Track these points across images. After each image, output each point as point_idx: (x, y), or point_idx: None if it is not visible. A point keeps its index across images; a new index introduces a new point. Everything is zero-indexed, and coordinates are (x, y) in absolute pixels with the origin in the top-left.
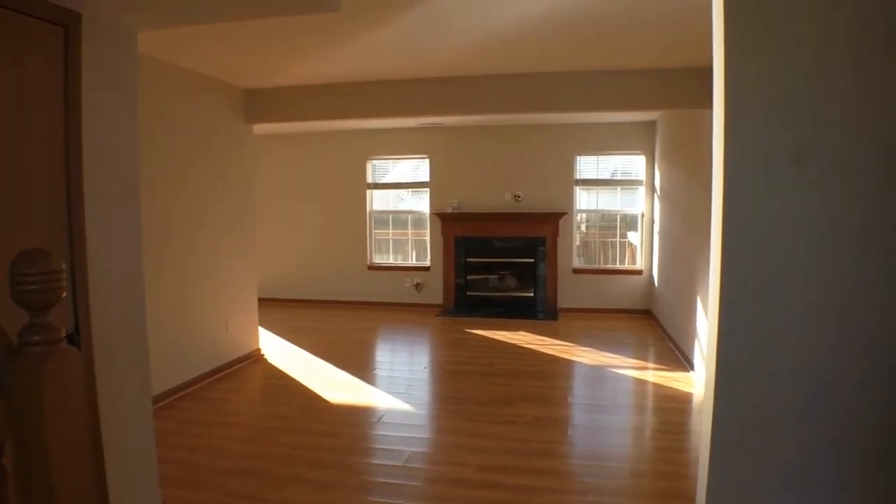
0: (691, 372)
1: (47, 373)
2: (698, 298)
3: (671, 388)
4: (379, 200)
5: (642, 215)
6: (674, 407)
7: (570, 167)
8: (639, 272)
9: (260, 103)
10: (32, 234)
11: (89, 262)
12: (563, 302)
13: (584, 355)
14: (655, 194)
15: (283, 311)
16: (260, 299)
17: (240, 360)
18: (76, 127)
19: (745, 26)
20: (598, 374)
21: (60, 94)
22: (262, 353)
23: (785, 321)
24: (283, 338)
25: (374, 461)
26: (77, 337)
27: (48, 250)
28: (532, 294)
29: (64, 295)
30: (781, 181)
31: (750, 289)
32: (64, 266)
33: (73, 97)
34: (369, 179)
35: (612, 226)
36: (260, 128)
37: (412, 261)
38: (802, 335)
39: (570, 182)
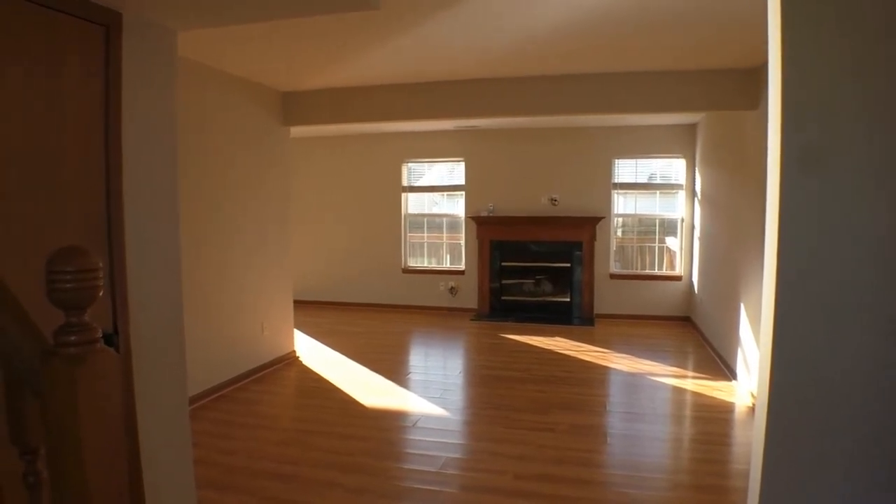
0: (734, 381)
1: (83, 375)
2: (742, 305)
3: (712, 397)
4: (414, 203)
5: (682, 220)
6: (715, 417)
7: (607, 171)
8: (678, 278)
9: (296, 106)
10: (71, 233)
11: (128, 263)
12: (599, 308)
13: (622, 362)
14: (696, 198)
15: (318, 313)
16: (295, 301)
17: (275, 363)
18: (116, 127)
19: (803, 26)
20: (637, 382)
21: (100, 93)
22: (298, 355)
23: (843, 330)
24: (318, 340)
25: (409, 466)
26: (115, 338)
27: (85, 248)
28: (568, 299)
29: (101, 294)
30: (840, 185)
31: (807, 296)
32: (101, 264)
33: (113, 97)
34: (405, 182)
35: (650, 230)
36: (296, 130)
37: (447, 264)
38: (861, 346)
39: (608, 186)
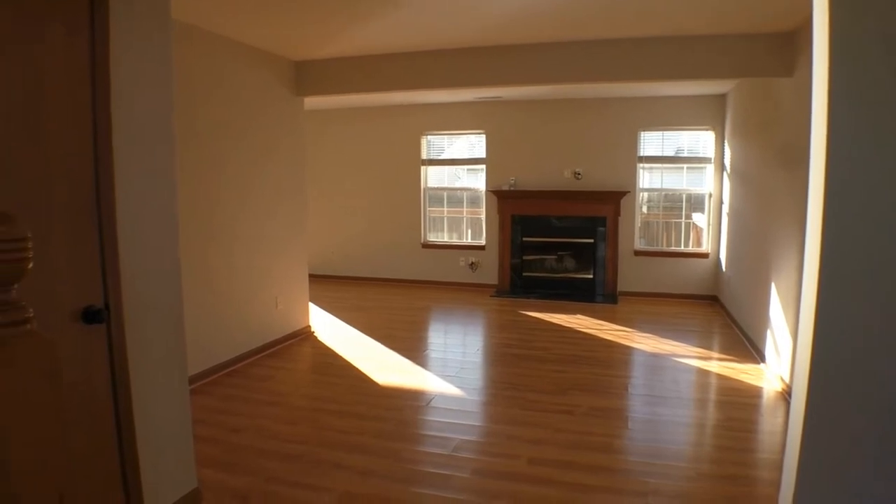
0: (762, 364)
1: (5, 360)
2: (773, 285)
3: (739, 380)
4: (434, 177)
5: (710, 195)
6: (742, 402)
7: (633, 144)
8: (705, 255)
9: (310, 75)
10: (56, 207)
11: (120, 235)
12: (623, 285)
13: (645, 342)
14: (725, 173)
15: (336, 288)
16: (313, 276)
17: (289, 338)
18: (104, 91)
19: None
20: (660, 363)
21: (86, 65)
22: (313, 330)
23: (888, 320)
24: (335, 315)
25: (421, 448)
26: (106, 313)
27: (10, 213)
28: (591, 276)
29: (29, 267)
30: (891, 164)
31: (851, 280)
32: (29, 234)
33: (101, 68)
34: (424, 156)
35: (676, 206)
36: (314, 103)
37: (467, 239)
38: None
39: (633, 159)
